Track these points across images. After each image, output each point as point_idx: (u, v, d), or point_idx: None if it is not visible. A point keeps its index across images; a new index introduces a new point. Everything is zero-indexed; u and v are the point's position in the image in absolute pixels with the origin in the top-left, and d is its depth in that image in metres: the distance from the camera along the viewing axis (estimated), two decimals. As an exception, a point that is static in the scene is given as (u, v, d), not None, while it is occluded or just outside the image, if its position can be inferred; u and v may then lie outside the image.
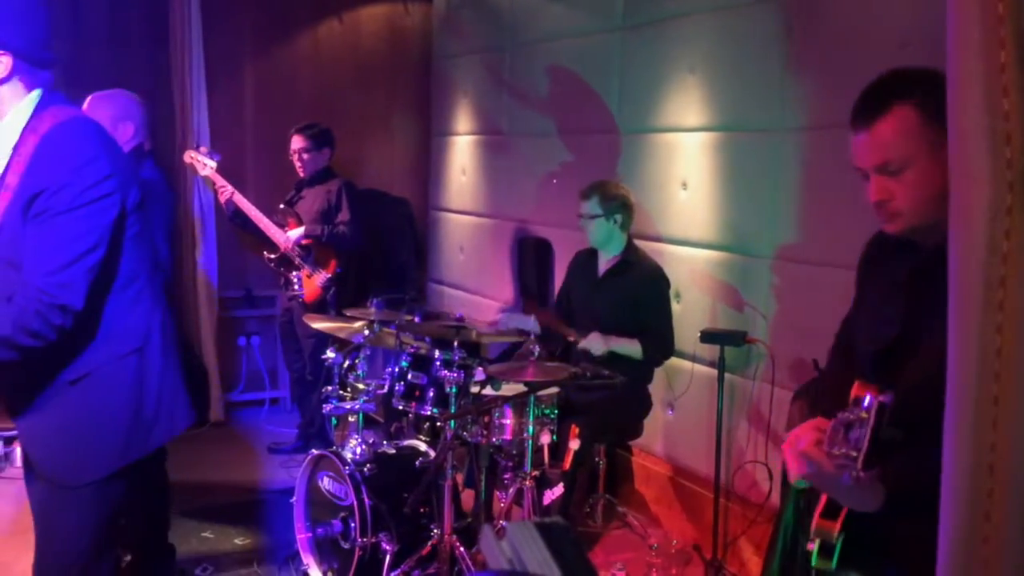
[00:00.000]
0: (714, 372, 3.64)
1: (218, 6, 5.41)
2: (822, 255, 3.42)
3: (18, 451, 4.28)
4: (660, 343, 3.79)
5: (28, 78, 2.00)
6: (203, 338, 5.43)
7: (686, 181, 4.05)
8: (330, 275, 4.81)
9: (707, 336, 3.60)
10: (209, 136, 5.33)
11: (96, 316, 1.99)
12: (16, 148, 1.97)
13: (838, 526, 1.46)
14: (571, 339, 3.79)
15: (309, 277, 4.81)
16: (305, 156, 4.87)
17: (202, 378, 5.41)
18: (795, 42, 3.51)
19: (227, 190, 4.74)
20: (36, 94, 2.01)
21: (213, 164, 4.66)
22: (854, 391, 1.40)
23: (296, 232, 4.78)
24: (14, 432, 3.44)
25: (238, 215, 4.81)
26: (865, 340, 1.66)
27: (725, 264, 3.87)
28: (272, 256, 4.86)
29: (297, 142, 4.88)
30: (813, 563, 1.50)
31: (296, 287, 4.84)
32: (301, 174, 4.93)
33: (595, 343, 3.69)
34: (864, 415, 1.31)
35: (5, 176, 1.96)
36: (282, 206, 4.94)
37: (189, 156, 4.74)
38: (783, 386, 3.53)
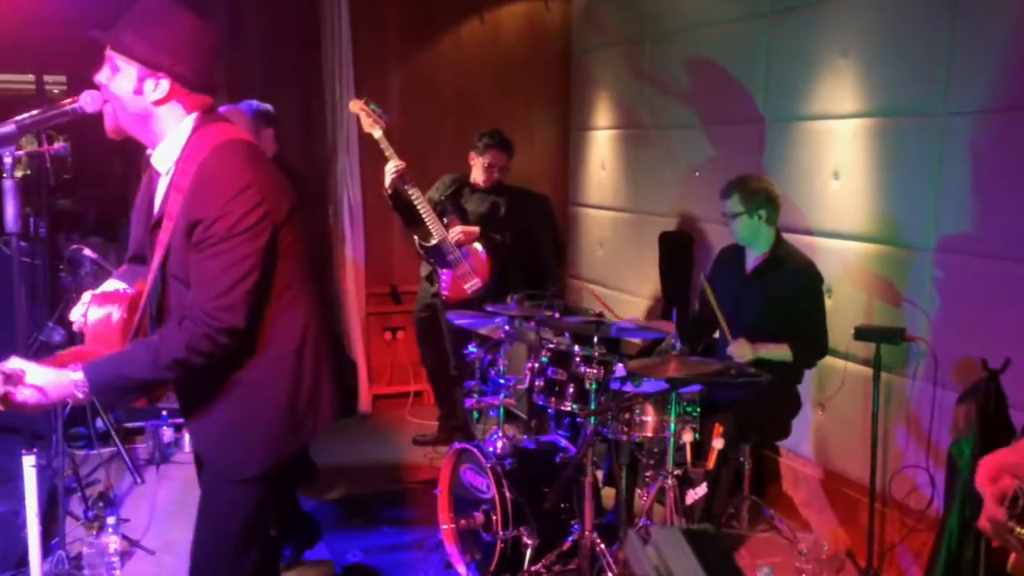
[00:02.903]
0: (869, 371, 3.46)
1: (365, 9, 5.59)
2: (992, 248, 3.19)
3: (187, 437, 4.58)
4: (813, 346, 3.61)
5: (187, 101, 2.08)
6: (351, 332, 5.64)
7: (838, 170, 3.86)
8: (482, 283, 4.72)
9: (862, 333, 3.42)
10: (357, 136, 5.51)
11: (257, 324, 2.11)
12: (176, 173, 2.07)
13: None
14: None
15: (460, 278, 4.72)
16: (504, 171, 4.87)
17: (349, 372, 5.65)
18: (960, 19, 3.28)
19: (401, 165, 4.53)
20: (193, 117, 2.09)
21: (383, 125, 4.45)
22: None
23: (467, 228, 4.71)
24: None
25: (398, 195, 4.61)
26: None
27: (881, 257, 3.67)
28: (426, 244, 4.70)
29: (499, 158, 4.82)
30: None
31: (441, 284, 4.75)
32: (485, 184, 4.86)
33: (742, 350, 3.54)
34: None
35: (167, 199, 2.07)
36: (443, 197, 4.86)
37: (359, 106, 4.48)
38: (947, 387, 3.31)
